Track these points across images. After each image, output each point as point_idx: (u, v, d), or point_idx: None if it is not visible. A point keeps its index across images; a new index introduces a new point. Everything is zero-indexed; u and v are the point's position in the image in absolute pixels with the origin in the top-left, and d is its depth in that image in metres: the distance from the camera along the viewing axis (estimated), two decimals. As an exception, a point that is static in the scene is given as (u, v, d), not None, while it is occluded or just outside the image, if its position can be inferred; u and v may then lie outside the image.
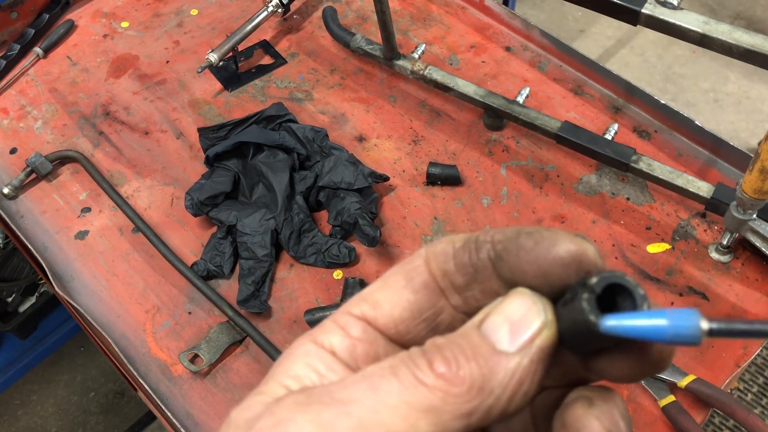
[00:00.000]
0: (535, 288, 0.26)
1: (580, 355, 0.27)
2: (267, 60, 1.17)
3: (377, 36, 1.08)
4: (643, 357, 0.26)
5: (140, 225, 0.95)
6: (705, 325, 0.22)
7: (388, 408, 0.23)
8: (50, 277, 0.90)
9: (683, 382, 0.77)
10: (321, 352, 0.27)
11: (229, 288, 0.90)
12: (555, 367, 0.28)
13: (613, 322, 0.23)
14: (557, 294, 0.26)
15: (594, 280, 0.24)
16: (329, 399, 0.24)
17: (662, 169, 0.91)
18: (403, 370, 0.24)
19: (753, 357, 0.83)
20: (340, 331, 0.27)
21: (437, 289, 0.27)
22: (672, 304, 0.86)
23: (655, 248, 0.92)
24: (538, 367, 0.24)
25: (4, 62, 1.16)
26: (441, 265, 0.27)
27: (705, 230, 0.93)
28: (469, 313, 0.27)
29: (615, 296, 0.24)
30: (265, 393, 0.26)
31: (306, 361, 0.27)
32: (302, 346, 0.27)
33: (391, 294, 0.28)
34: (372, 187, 0.94)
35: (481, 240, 0.27)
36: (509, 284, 0.26)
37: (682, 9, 0.79)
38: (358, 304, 0.28)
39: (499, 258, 0.26)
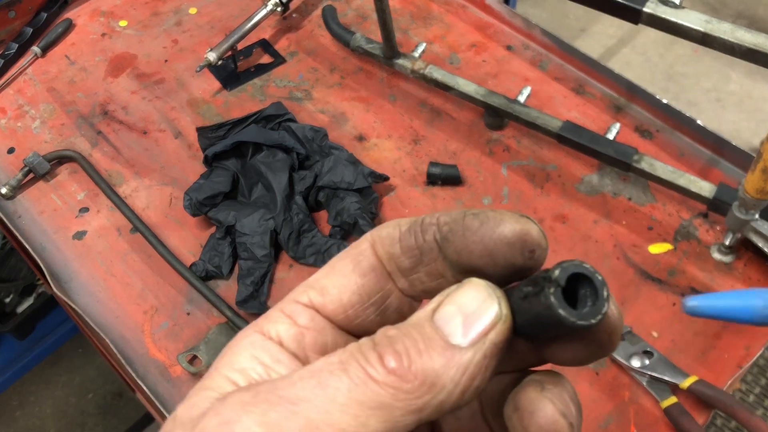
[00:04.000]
0: (480, 267, 0.26)
1: (534, 343, 0.28)
2: (266, 59, 1.16)
3: (377, 35, 1.07)
4: (593, 341, 0.26)
5: (138, 225, 0.94)
6: None
7: (338, 406, 0.23)
8: (48, 278, 0.90)
9: (685, 384, 0.77)
10: (267, 343, 0.26)
11: (228, 289, 0.90)
12: (505, 353, 0.28)
13: (695, 303, 0.23)
14: (502, 274, 0.26)
15: (556, 272, 0.24)
16: (276, 397, 0.23)
17: (664, 169, 0.90)
18: (353, 366, 0.23)
19: (755, 358, 0.82)
20: (287, 320, 0.27)
21: (385, 272, 0.27)
22: (674, 305, 0.86)
23: (656, 248, 0.91)
24: (490, 362, 0.24)
25: (2, 61, 1.15)
26: (387, 249, 0.27)
27: (707, 230, 0.93)
28: (415, 297, 0.28)
29: (574, 283, 0.24)
30: (210, 388, 0.25)
31: (251, 352, 0.26)
32: (247, 337, 0.27)
33: (339, 279, 0.27)
34: (372, 187, 0.94)
35: (427, 222, 0.27)
36: (455, 265, 0.26)
37: (683, 8, 0.78)
38: (305, 291, 0.28)
39: (445, 239, 0.26)
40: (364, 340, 0.25)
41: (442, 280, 0.27)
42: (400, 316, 0.28)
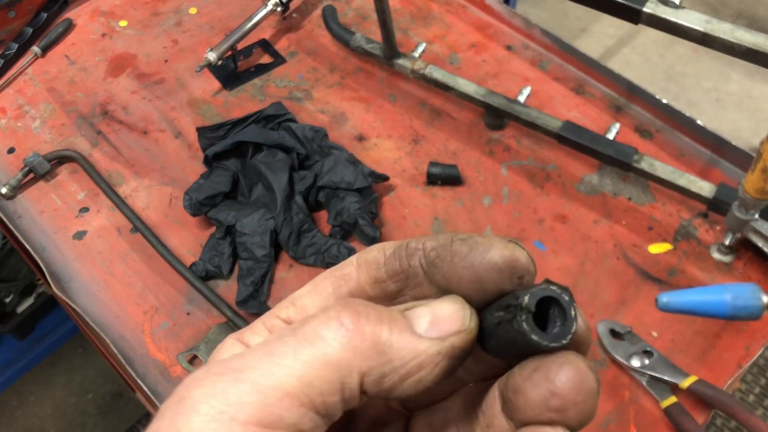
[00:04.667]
0: (469, 292, 0.26)
1: (507, 361, 0.28)
2: (266, 59, 1.16)
3: (377, 35, 1.07)
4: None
5: (138, 225, 0.94)
6: (766, 299, 0.23)
7: (283, 369, 0.23)
8: (48, 278, 0.90)
9: (685, 384, 0.77)
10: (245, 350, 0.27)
11: (228, 289, 0.90)
12: (477, 364, 0.29)
13: (667, 299, 0.24)
14: (490, 300, 0.27)
15: (526, 299, 0.25)
16: (224, 369, 0.23)
17: (664, 169, 0.90)
18: (304, 328, 0.24)
19: (755, 358, 0.82)
20: (267, 333, 0.28)
21: (364, 298, 0.28)
22: (674, 304, 0.86)
23: (656, 248, 0.91)
24: (442, 362, 0.24)
25: (2, 61, 1.15)
26: (372, 273, 0.27)
27: (707, 230, 0.93)
28: None
29: (544, 304, 0.25)
30: None
31: (232, 353, 0.27)
32: (230, 345, 0.28)
33: (318, 299, 0.28)
34: (372, 186, 0.94)
35: (413, 247, 0.27)
36: (443, 290, 0.27)
37: (683, 8, 0.78)
38: (287, 307, 0.29)
39: (433, 265, 0.26)
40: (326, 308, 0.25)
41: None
42: None
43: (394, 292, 0.28)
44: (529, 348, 0.25)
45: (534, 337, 0.24)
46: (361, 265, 0.28)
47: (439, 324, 0.25)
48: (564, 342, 0.24)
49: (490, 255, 0.26)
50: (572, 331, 0.25)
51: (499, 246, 0.26)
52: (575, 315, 0.25)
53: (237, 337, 0.28)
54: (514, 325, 0.25)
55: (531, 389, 0.25)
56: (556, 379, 0.24)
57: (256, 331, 0.28)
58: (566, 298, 0.25)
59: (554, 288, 0.25)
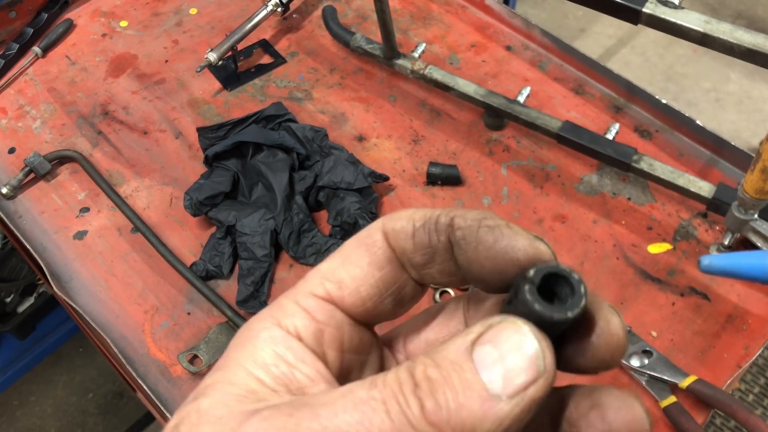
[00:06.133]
0: (489, 280, 0.26)
1: None
2: (266, 59, 1.17)
3: (377, 35, 1.07)
4: (595, 354, 0.26)
5: (139, 225, 0.95)
6: None
7: None
8: (49, 278, 0.90)
9: (684, 383, 0.77)
10: (288, 339, 0.26)
11: (229, 288, 0.90)
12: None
13: (709, 261, 0.24)
14: (508, 288, 0.27)
15: (531, 272, 0.25)
16: (319, 426, 0.23)
17: (663, 169, 0.90)
18: (394, 407, 0.23)
19: (754, 358, 0.82)
20: (305, 315, 0.27)
21: (399, 264, 0.27)
22: (673, 304, 0.86)
23: (656, 248, 0.91)
24: (527, 415, 0.23)
25: (3, 61, 1.15)
26: (400, 243, 0.27)
27: (706, 230, 0.93)
28: (425, 285, 0.29)
29: (555, 285, 0.25)
30: (234, 383, 0.25)
31: (273, 348, 0.26)
32: (266, 329, 0.26)
33: (356, 271, 0.27)
34: (372, 187, 0.94)
35: (442, 223, 0.27)
36: (465, 272, 0.27)
37: (683, 8, 0.78)
38: (321, 282, 0.27)
39: (458, 246, 0.26)
40: (403, 375, 0.24)
41: (453, 278, 0.27)
42: (414, 300, 0.29)
43: (420, 265, 0.27)
44: (539, 324, 0.24)
45: (536, 306, 0.24)
46: (389, 233, 0.27)
47: (513, 374, 0.23)
48: (570, 315, 0.24)
49: (513, 251, 0.25)
50: (580, 305, 0.24)
51: (524, 242, 0.25)
52: (584, 292, 0.24)
53: (275, 323, 0.26)
54: (519, 298, 0.24)
55: (587, 428, 0.25)
56: (613, 421, 0.25)
57: (292, 312, 0.27)
58: (576, 276, 0.25)
59: (564, 267, 0.25)
